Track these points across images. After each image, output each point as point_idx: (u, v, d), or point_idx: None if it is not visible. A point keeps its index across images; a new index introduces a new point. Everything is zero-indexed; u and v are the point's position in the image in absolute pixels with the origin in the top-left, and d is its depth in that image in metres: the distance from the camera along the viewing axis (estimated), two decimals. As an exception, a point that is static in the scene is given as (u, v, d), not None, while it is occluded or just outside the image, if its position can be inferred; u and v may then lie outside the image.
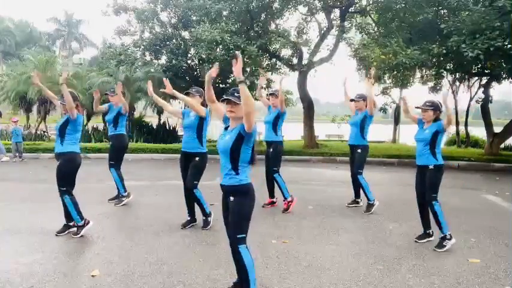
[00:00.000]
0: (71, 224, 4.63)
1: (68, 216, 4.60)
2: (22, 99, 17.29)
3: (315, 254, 4.16)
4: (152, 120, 19.67)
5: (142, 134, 16.18)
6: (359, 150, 5.97)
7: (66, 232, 4.62)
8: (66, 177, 4.51)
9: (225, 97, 2.98)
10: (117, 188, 6.17)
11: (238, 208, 2.97)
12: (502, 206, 6.69)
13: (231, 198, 2.98)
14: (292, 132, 24.00)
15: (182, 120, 5.12)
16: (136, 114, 19.82)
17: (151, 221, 5.26)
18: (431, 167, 4.45)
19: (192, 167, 4.83)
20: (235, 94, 2.95)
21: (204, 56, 11.76)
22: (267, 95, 6.28)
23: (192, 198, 4.91)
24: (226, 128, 3.13)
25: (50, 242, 4.36)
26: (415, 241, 4.61)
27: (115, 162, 6.15)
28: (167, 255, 4.04)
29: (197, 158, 4.83)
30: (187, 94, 4.84)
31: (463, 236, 4.84)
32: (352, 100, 6.08)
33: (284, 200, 5.89)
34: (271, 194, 6.15)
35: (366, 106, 5.86)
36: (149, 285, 3.39)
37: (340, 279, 3.57)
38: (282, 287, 3.41)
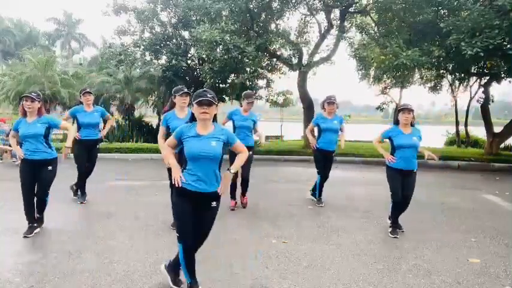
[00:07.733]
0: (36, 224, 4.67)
1: (33, 215, 4.65)
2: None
3: (315, 254, 4.16)
4: (152, 120, 19.66)
5: (142, 134, 16.18)
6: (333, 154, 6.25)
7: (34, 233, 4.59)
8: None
9: (201, 99, 2.85)
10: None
11: (217, 212, 3.15)
12: (502, 206, 6.69)
13: (214, 204, 3.08)
14: (292, 132, 24.00)
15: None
16: (136, 114, 19.82)
17: (151, 221, 5.27)
18: (415, 170, 4.82)
19: None
20: (208, 95, 2.88)
21: (204, 56, 11.76)
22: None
23: None
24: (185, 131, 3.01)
25: (50, 242, 4.36)
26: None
27: None
28: (167, 255, 4.03)
29: None
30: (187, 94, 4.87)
31: (463, 236, 4.85)
32: (331, 103, 5.95)
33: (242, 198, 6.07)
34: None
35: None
36: (149, 285, 3.39)
37: (340, 279, 3.57)
38: (282, 287, 3.42)
